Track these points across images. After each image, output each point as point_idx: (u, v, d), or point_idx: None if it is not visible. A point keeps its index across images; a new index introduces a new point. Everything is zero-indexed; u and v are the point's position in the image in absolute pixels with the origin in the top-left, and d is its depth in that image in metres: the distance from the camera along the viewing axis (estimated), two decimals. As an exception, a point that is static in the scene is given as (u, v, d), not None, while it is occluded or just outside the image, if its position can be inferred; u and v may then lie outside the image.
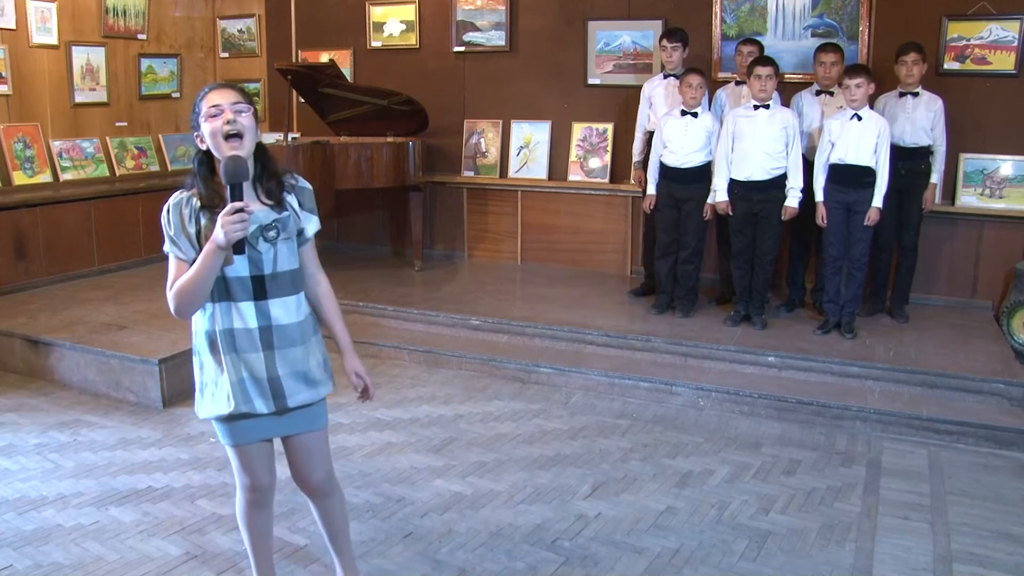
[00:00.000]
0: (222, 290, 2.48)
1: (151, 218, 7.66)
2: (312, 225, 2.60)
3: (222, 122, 2.38)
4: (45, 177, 7.10)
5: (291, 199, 2.55)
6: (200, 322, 2.54)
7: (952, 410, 4.70)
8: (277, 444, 2.72)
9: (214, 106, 2.40)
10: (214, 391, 2.56)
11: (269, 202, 2.50)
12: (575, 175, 7.39)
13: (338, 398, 4.62)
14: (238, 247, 2.35)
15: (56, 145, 7.24)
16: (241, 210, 2.30)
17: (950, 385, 4.89)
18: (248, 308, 2.49)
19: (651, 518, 3.72)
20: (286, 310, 2.52)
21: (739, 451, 4.44)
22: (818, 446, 4.51)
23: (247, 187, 2.43)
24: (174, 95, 8.35)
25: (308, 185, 2.63)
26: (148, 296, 6.46)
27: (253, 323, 2.50)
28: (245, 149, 2.41)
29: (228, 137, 2.38)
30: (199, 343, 2.58)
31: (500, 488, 3.99)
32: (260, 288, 2.49)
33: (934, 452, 4.46)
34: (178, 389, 5.08)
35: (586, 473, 4.16)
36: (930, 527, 3.66)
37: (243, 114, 2.42)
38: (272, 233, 2.48)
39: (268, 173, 2.53)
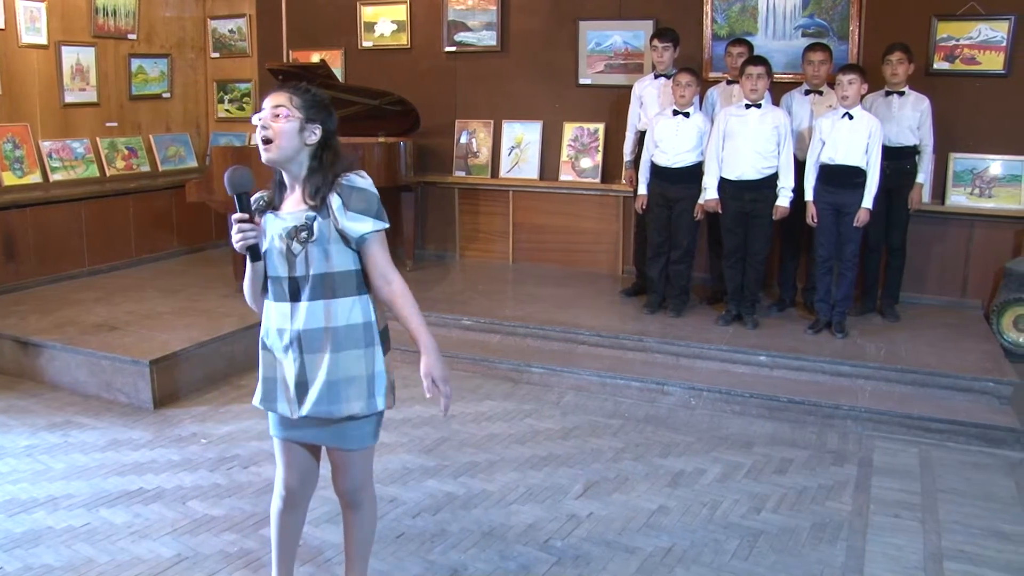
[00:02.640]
0: (268, 289, 2.56)
1: (142, 219, 7.66)
2: (361, 225, 2.46)
3: (258, 128, 2.46)
4: (35, 177, 7.08)
5: (333, 199, 2.46)
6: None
7: (943, 409, 4.72)
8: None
9: (260, 110, 2.48)
10: (258, 382, 2.64)
11: (311, 202, 2.47)
12: (566, 175, 7.40)
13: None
14: (253, 255, 2.45)
15: (46, 145, 7.21)
16: (243, 221, 2.40)
17: (940, 384, 4.91)
18: (285, 308, 2.52)
19: (643, 517, 3.73)
20: (315, 314, 2.49)
21: (731, 450, 4.45)
22: (809, 445, 4.53)
23: (294, 186, 2.52)
24: (164, 95, 8.33)
25: (364, 184, 2.50)
26: (139, 297, 6.45)
27: (286, 324, 2.51)
28: (273, 153, 2.44)
29: (263, 142, 2.45)
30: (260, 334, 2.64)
31: (492, 488, 3.99)
32: (295, 289, 2.50)
33: (925, 450, 4.48)
34: (169, 390, 5.07)
35: (578, 473, 4.16)
36: (921, 525, 3.68)
37: (280, 118, 2.43)
38: (304, 235, 2.46)
39: (320, 172, 2.50)
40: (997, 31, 5.98)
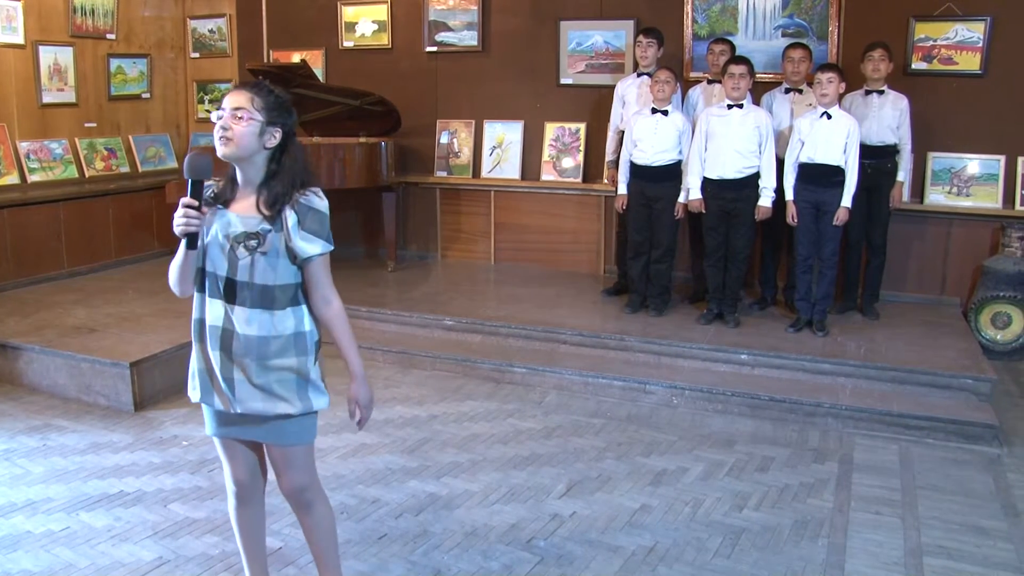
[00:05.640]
0: (201, 281, 2.53)
1: (121, 220, 7.61)
2: (311, 247, 2.47)
3: (217, 127, 2.45)
4: (12, 179, 7.01)
5: (289, 215, 2.46)
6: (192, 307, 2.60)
7: (922, 406, 4.75)
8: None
9: (220, 108, 2.46)
10: (192, 376, 2.63)
11: (266, 211, 2.46)
12: (548, 175, 7.40)
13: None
14: (190, 242, 2.43)
15: (23, 146, 7.15)
16: (191, 207, 2.38)
17: (920, 381, 4.95)
18: (216, 306, 2.51)
19: (626, 516, 3.73)
20: (251, 322, 2.48)
21: (713, 449, 4.46)
22: (791, 443, 4.55)
23: (248, 187, 2.50)
24: (144, 96, 8.27)
25: (319, 205, 2.49)
26: (119, 299, 6.41)
27: (218, 321, 2.51)
28: (229, 150, 2.43)
29: (219, 139, 2.44)
30: (192, 326, 2.61)
31: (475, 488, 3.99)
32: (230, 291, 2.49)
33: (904, 447, 4.51)
34: (150, 392, 5.04)
35: (560, 472, 4.17)
36: (901, 521, 3.70)
37: (240, 121, 2.42)
38: (253, 243, 2.45)
39: (279, 180, 2.48)
40: (973, 32, 6.03)
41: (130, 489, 3.96)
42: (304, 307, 2.57)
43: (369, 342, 5.84)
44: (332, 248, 2.53)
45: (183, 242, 2.45)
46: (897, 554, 3.44)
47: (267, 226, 2.45)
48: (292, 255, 2.49)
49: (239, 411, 2.54)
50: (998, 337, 5.87)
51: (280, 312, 2.51)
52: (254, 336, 2.49)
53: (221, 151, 2.44)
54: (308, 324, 2.58)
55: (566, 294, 6.60)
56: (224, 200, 2.51)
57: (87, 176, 7.62)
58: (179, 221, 2.39)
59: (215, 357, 2.52)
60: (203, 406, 2.65)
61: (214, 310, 2.51)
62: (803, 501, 3.88)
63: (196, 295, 2.56)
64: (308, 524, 2.79)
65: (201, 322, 2.55)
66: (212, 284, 2.50)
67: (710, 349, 5.35)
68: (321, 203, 2.51)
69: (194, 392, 2.62)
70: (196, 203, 2.39)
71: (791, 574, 3.30)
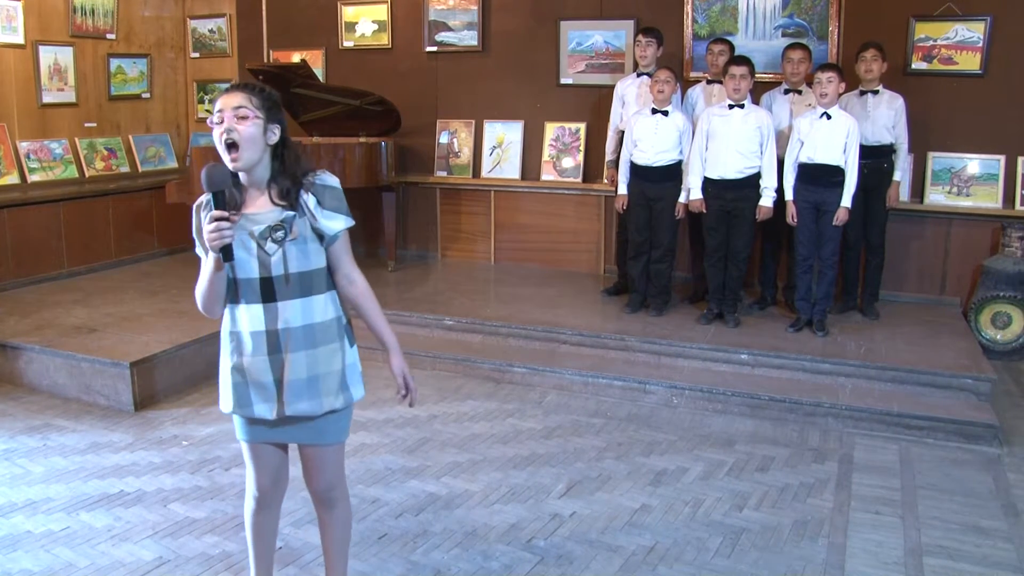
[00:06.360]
0: (234, 292, 2.50)
1: (121, 220, 7.61)
2: (336, 223, 2.51)
3: (219, 132, 2.41)
4: (12, 178, 7.01)
5: (308, 199, 2.48)
6: (222, 321, 2.58)
7: (922, 406, 4.75)
8: (294, 450, 2.72)
9: (219, 111, 2.42)
10: (225, 388, 2.60)
11: (282, 202, 2.46)
12: (548, 175, 7.40)
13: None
14: (226, 254, 2.35)
15: (23, 146, 7.15)
16: (222, 219, 2.31)
17: (920, 381, 4.95)
18: (256, 310, 2.49)
19: (626, 516, 3.73)
20: (295, 312, 2.49)
21: (713, 448, 4.46)
22: (791, 443, 4.55)
23: (257, 186, 2.49)
24: (144, 95, 8.28)
25: (333, 182, 2.54)
26: (119, 299, 6.40)
27: (260, 326, 2.49)
28: (243, 160, 2.41)
29: (226, 147, 2.40)
30: (221, 340, 2.59)
31: (475, 488, 3.99)
32: (269, 290, 2.47)
33: (904, 447, 4.51)
34: (150, 392, 5.04)
35: (560, 472, 4.17)
36: (901, 521, 3.70)
37: (245, 120, 2.40)
38: (279, 234, 2.45)
39: (285, 172, 2.49)
40: (973, 31, 6.04)
41: (130, 489, 3.96)
42: (334, 292, 2.61)
43: (368, 342, 5.80)
44: (353, 222, 2.56)
45: (212, 258, 2.38)
46: (897, 554, 3.44)
47: (291, 213, 2.46)
48: (319, 237, 2.51)
49: (287, 414, 2.53)
50: (998, 337, 5.87)
51: (320, 297, 2.54)
52: (300, 327, 2.50)
53: (234, 165, 2.41)
54: (339, 308, 2.62)
55: (566, 294, 6.61)
56: (236, 206, 2.47)
57: (87, 176, 7.63)
58: (212, 235, 2.30)
59: (261, 362, 2.50)
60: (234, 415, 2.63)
61: (253, 315, 2.49)
62: (803, 501, 3.89)
63: (229, 308, 2.53)
64: (327, 520, 2.80)
65: (236, 334, 2.52)
66: (247, 290, 2.48)
67: (710, 349, 5.35)
68: (334, 180, 2.55)
69: (227, 403, 2.59)
70: (226, 213, 2.33)
71: (791, 574, 3.30)
